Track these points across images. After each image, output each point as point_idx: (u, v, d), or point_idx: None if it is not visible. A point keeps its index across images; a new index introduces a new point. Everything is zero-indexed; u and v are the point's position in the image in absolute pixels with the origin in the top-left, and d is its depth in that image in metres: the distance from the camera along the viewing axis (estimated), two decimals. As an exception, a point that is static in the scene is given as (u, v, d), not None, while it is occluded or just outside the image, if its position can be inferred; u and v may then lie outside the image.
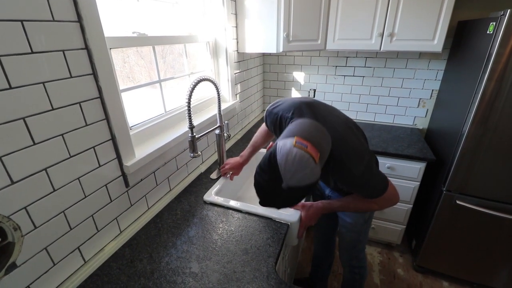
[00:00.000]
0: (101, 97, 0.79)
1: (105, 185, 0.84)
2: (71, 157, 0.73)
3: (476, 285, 1.64)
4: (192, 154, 1.07)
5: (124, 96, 0.97)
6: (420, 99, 1.90)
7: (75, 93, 0.72)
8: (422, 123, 1.96)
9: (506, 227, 1.40)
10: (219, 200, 1.08)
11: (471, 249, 1.52)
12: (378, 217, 1.79)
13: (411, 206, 1.69)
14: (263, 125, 1.20)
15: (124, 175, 0.90)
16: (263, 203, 0.74)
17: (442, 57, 1.77)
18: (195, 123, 1.25)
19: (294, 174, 0.63)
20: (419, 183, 1.61)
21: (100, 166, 0.81)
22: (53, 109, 0.67)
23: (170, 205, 1.07)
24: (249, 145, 1.27)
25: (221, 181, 1.22)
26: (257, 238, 0.90)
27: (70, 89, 0.70)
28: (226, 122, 1.31)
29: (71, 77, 0.70)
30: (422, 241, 1.65)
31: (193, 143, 1.06)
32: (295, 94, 2.19)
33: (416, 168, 1.57)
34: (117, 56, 1.01)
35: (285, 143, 0.66)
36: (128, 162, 0.90)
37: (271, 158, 0.67)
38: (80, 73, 0.72)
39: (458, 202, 1.42)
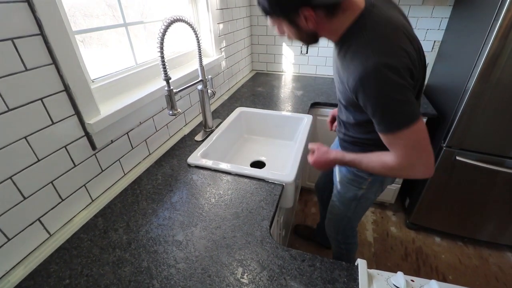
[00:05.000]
0: (42, 34, 0.62)
1: (64, 146, 0.70)
2: (10, 110, 0.57)
3: (467, 239, 1.67)
4: (171, 112, 0.93)
5: (87, 50, 0.80)
6: (420, 51, 1.76)
7: (2, 25, 0.54)
8: (421, 79, 1.84)
9: (500, 181, 1.38)
10: (206, 162, 0.96)
11: (464, 204, 1.51)
12: (373, 177, 1.74)
13: (407, 164, 1.64)
14: None
15: (88, 135, 0.76)
16: None
17: (448, 2, 1.59)
18: (173, 78, 1.09)
19: None
20: (417, 140, 1.54)
21: (53, 123, 0.67)
22: (-29, 44, 0.51)
23: (149, 170, 0.95)
24: None
25: (206, 143, 1.09)
26: (249, 200, 0.80)
27: (-9, 17, 0.53)
28: (209, 76, 1.15)
29: (-7, 1, 0.53)
30: (417, 199, 1.63)
31: (170, 99, 0.91)
32: (286, 49, 2.00)
33: (415, 125, 1.48)
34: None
35: None
36: (90, 120, 0.75)
37: None
38: (5, -3, 0.54)
39: (457, 158, 1.37)
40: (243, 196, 0.82)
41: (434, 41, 1.71)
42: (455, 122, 1.32)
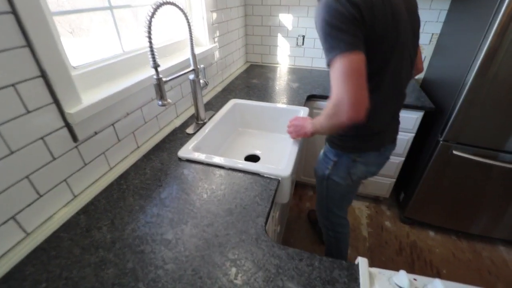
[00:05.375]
0: (15, 12, 0.55)
1: (42, 138, 0.64)
2: (-25, 96, 0.51)
3: (460, 233, 1.67)
4: (160, 102, 0.87)
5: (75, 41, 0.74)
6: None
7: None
8: (418, 72, 1.81)
9: (493, 175, 1.37)
10: (198, 156, 0.91)
11: (458, 198, 1.51)
12: (368, 172, 1.72)
13: (403, 159, 1.62)
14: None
15: (68, 126, 0.70)
16: None
17: (447, -7, 1.56)
18: (163, 67, 1.03)
19: None
20: (413, 134, 1.52)
21: (28, 112, 0.61)
22: None
23: (137, 164, 0.90)
24: None
25: (198, 136, 1.04)
26: (243, 196, 0.76)
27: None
28: (202, 66, 1.09)
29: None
30: (412, 194, 1.62)
31: (160, 88, 0.85)
32: (281, 40, 1.95)
33: (412, 118, 1.46)
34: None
35: None
36: (71, 109, 0.69)
37: None
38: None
39: (454, 152, 1.35)
40: (237, 191, 0.78)
41: (432, 34, 1.69)
42: (453, 116, 1.30)
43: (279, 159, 1.15)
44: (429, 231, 1.70)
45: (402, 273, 0.55)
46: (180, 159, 0.92)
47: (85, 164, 0.77)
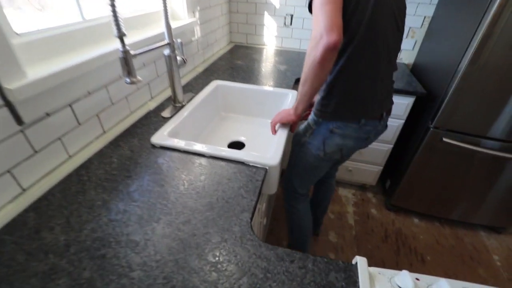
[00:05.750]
0: None
1: (-30, 119, 0.51)
2: None
3: (443, 220, 1.69)
4: (128, 79, 0.74)
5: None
6: (410, 27, 1.66)
7: None
8: (409, 58, 1.76)
9: (476, 162, 1.37)
10: (174, 142, 0.81)
11: (442, 185, 1.51)
12: (356, 159, 1.68)
13: (392, 146, 1.59)
14: None
15: (9, 105, 0.57)
16: None
17: (441, -28, 1.49)
18: (133, 40, 0.90)
19: None
20: (403, 121, 1.48)
21: None
22: None
23: (103, 151, 0.78)
24: None
25: (175, 120, 0.93)
26: (226, 188, 0.67)
27: None
28: (179, 40, 0.96)
29: None
30: (398, 181, 1.60)
31: (126, 62, 0.72)
32: (268, 19, 1.82)
33: (403, 104, 1.41)
34: None
35: None
36: (10, 84, 0.55)
37: None
38: None
39: (444, 139, 1.32)
40: (218, 182, 0.68)
41: (425, 17, 1.62)
42: (444, 103, 1.26)
43: (266, 146, 1.06)
44: (413, 218, 1.71)
45: (405, 273, 0.49)
46: (153, 146, 0.81)
47: (36, 152, 0.64)
